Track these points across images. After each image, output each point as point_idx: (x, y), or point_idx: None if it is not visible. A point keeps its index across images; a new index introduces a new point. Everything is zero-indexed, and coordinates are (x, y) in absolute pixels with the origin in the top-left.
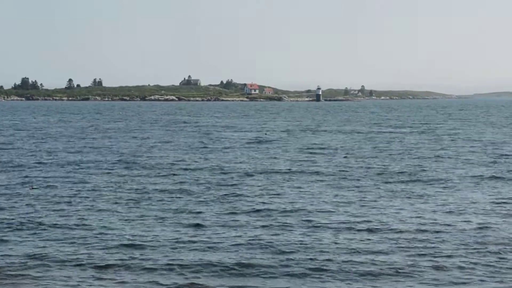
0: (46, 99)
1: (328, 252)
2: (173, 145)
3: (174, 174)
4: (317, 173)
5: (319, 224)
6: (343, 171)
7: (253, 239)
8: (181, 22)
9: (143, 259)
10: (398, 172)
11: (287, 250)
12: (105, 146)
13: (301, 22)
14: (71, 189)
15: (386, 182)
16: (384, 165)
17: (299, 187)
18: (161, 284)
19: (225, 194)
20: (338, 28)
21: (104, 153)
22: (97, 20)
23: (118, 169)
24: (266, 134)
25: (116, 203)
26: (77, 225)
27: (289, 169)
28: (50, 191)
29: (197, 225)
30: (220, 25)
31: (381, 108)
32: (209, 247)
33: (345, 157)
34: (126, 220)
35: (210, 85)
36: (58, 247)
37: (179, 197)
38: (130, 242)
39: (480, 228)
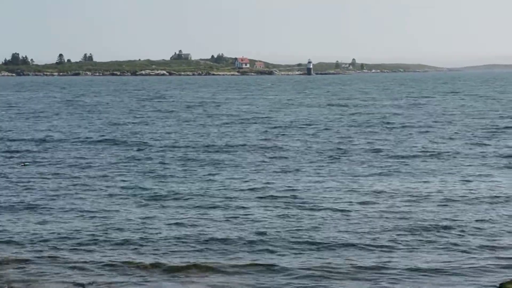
0: (36, 75)
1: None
2: (167, 121)
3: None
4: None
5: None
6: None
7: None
8: None
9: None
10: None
11: (266, 227)
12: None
13: None
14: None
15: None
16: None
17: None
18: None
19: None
20: (329, 2)
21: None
22: None
23: (100, 144)
24: (258, 107)
25: (90, 178)
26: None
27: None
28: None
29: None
30: (211, 0)
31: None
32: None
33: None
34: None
35: (201, 59)
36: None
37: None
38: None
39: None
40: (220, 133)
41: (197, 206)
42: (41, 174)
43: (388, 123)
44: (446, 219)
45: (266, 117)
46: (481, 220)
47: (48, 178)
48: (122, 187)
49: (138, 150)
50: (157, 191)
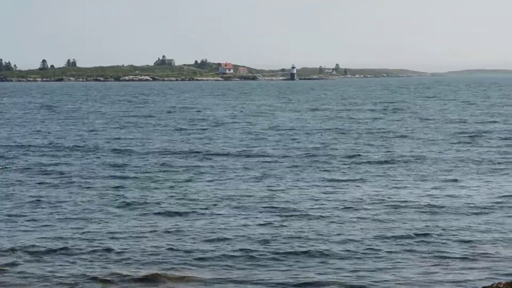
0: (20, 80)
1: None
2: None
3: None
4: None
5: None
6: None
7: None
8: (156, 2)
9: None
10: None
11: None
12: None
13: (275, 1)
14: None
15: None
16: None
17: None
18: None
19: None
20: (312, 7)
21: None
22: (70, 1)
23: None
24: (241, 111)
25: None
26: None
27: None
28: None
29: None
30: (194, 5)
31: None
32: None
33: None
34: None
35: (185, 65)
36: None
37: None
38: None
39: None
40: (199, 139)
41: (172, 214)
42: (20, 179)
43: (368, 128)
44: (427, 226)
45: (247, 122)
46: (461, 228)
47: (28, 184)
48: (101, 194)
49: (117, 156)
50: (135, 199)
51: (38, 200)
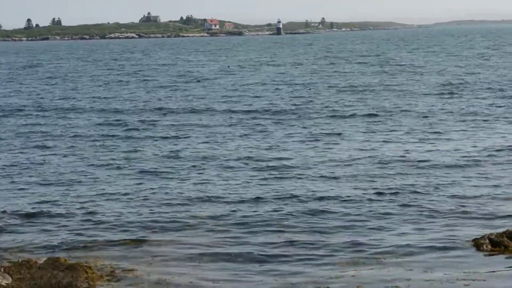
0: (5, 40)
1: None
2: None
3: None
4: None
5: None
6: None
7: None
8: None
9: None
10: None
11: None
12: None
13: None
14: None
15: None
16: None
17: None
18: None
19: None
20: None
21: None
22: None
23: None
24: (228, 66)
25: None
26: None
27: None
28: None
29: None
30: None
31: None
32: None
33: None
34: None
35: (170, 21)
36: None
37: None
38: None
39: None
40: (184, 96)
41: (160, 174)
42: (4, 141)
43: (352, 83)
44: (417, 182)
45: (231, 76)
46: (452, 183)
47: (12, 146)
48: (85, 155)
49: (101, 115)
50: (121, 159)
51: (22, 163)
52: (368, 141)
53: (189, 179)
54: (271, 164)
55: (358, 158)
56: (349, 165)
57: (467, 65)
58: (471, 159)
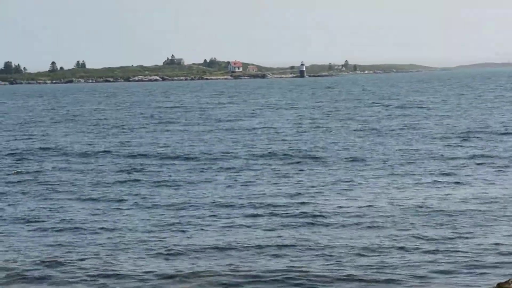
0: (30, 83)
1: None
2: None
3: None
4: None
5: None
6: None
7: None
8: (164, 2)
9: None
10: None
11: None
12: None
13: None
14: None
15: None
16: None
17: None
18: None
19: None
20: (321, 4)
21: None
22: (79, 2)
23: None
24: (252, 110)
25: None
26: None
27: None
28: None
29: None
30: (202, 4)
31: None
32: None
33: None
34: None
35: (194, 64)
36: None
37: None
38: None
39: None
40: (206, 139)
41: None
42: (33, 183)
43: (370, 126)
44: (441, 230)
45: (251, 119)
46: (475, 230)
47: (39, 187)
48: (107, 198)
49: (123, 159)
50: (142, 201)
51: (42, 208)
52: (388, 186)
53: (211, 226)
54: (291, 210)
55: (379, 205)
56: (371, 212)
57: (487, 108)
58: (492, 206)
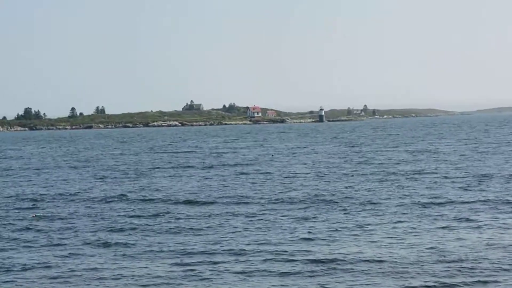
0: (49, 129)
1: None
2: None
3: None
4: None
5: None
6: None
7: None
8: (181, 48)
9: None
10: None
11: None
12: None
13: (300, 43)
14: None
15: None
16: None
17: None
18: None
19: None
20: (338, 49)
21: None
22: (98, 48)
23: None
24: (272, 155)
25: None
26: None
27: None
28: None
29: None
30: (220, 49)
31: None
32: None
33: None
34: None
35: (213, 109)
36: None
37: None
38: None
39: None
40: (224, 185)
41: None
42: (50, 227)
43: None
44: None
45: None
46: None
47: (56, 231)
48: (129, 244)
49: (139, 204)
50: (165, 247)
51: (70, 253)
52: (406, 230)
53: (229, 271)
54: (311, 257)
55: (392, 252)
56: (382, 260)
57: (498, 153)
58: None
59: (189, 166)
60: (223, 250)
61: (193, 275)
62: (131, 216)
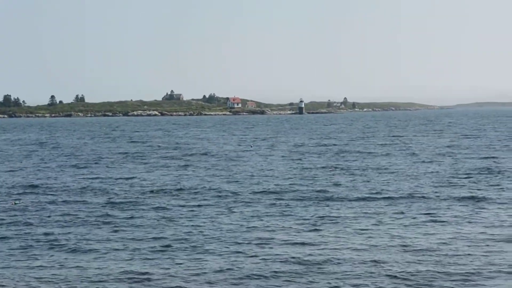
0: (28, 116)
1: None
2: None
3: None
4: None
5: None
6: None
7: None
8: (164, 37)
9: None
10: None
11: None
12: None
13: (283, 36)
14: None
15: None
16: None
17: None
18: None
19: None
20: (319, 42)
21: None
22: (79, 36)
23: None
24: (251, 146)
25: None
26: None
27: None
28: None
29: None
30: (202, 40)
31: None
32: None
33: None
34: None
35: (193, 99)
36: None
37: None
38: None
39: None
40: (202, 175)
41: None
42: (29, 216)
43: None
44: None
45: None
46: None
47: (36, 220)
48: (104, 232)
49: (117, 194)
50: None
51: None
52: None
53: (216, 254)
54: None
55: (384, 247)
56: (376, 254)
57: (475, 150)
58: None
59: (167, 157)
60: (204, 249)
61: (169, 269)
62: (101, 206)
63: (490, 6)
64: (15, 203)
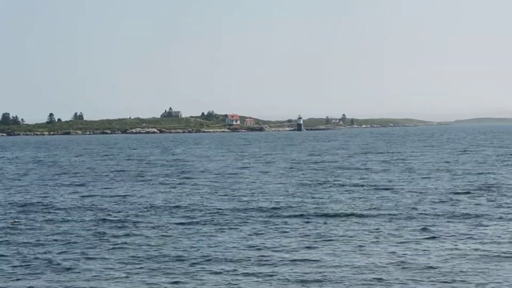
0: (27, 134)
1: None
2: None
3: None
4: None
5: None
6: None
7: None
8: (161, 55)
9: None
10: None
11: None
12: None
13: (281, 52)
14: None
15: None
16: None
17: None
18: None
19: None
20: (317, 59)
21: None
22: (77, 55)
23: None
24: (250, 164)
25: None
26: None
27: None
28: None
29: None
30: (200, 57)
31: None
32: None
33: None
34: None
35: (191, 116)
36: None
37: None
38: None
39: None
40: (195, 193)
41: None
42: (28, 234)
43: (338, 181)
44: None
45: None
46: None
47: (35, 239)
48: (104, 250)
49: (115, 213)
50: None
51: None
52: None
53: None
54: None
55: (385, 264)
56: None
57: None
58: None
59: (165, 175)
60: (210, 257)
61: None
62: (106, 221)
63: (489, 23)
64: (14, 222)
